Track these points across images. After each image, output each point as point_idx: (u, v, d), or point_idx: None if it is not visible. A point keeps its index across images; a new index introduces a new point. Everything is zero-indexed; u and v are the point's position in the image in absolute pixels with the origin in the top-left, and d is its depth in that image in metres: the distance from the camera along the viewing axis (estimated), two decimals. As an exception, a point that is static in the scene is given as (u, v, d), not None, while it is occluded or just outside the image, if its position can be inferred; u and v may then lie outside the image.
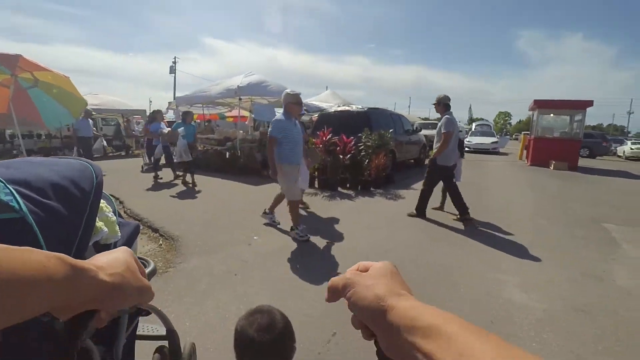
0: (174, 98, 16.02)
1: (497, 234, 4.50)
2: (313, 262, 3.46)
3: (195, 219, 4.81)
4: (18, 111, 6.20)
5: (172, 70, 43.95)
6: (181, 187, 7.19)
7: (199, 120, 19.56)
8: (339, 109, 9.43)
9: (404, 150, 9.75)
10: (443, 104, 4.89)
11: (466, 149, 20.08)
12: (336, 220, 4.96)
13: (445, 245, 4.02)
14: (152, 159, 10.27)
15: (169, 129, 7.92)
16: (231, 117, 16.73)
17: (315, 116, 15.12)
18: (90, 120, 9.59)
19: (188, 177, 7.36)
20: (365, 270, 0.44)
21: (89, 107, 9.85)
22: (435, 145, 4.90)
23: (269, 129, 4.26)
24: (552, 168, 12.70)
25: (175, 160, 7.50)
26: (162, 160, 8.32)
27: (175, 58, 44.54)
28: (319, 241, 4.04)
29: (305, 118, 17.73)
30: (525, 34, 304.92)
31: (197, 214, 5.10)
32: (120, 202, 5.84)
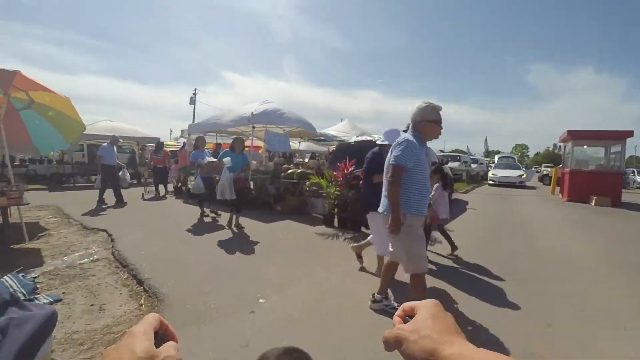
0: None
1: (565, 287, 3.48)
2: (340, 340, 2.54)
3: (190, 268, 3.98)
4: (8, 134, 5.71)
5: (192, 101, 44.97)
6: (184, 225, 6.43)
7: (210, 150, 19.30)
8: (360, 138, 8.73)
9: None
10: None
11: (490, 182, 19.34)
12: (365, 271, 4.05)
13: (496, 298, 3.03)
14: (157, 186, 9.81)
15: (211, 158, 6.91)
16: (247, 146, 16.35)
17: (332, 147, 14.61)
18: (115, 148, 8.99)
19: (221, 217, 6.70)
20: (411, 311, 0.46)
21: (117, 135, 9.44)
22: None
23: (394, 154, 2.74)
24: (593, 204, 11.53)
25: (217, 197, 6.06)
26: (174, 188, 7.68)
27: (195, 89, 45.78)
28: (342, 304, 3.13)
29: (321, 148, 17.28)
30: (534, 67, 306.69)
31: (194, 261, 4.28)
32: (112, 240, 5.11)
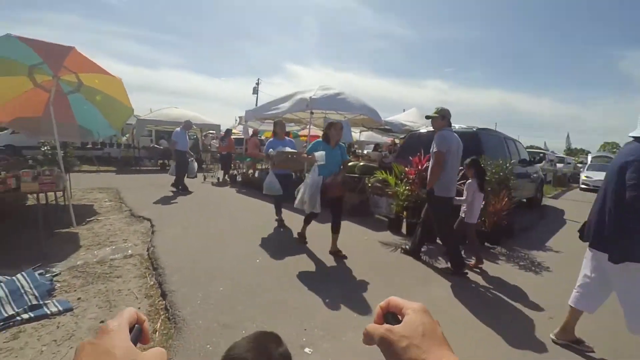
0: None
1: None
2: None
3: (223, 285, 3.24)
4: (56, 116, 5.54)
5: (255, 91, 46.14)
6: (236, 223, 5.83)
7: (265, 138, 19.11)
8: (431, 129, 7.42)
9: (519, 186, 7.20)
10: (444, 118, 3.80)
11: (583, 185, 16.29)
12: (448, 302, 2.95)
13: None
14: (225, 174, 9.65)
15: (289, 149, 4.91)
16: (304, 136, 15.69)
17: (396, 138, 13.26)
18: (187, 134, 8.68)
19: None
20: (398, 309, 0.44)
21: (190, 120, 9.32)
22: None
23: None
24: None
25: (295, 205, 4.19)
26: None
27: (258, 79, 46.93)
28: None
29: (382, 140, 15.95)
30: (630, 54, 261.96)
31: (230, 276, 3.54)
32: (152, 232, 4.65)
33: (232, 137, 20.67)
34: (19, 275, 2.85)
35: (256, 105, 46.89)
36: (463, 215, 4.08)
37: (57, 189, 3.79)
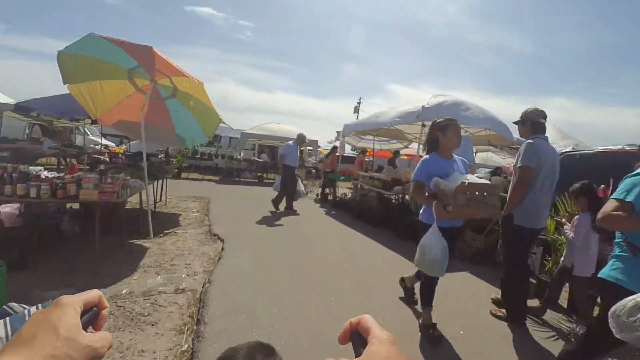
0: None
1: None
2: None
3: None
4: (155, 122, 5.37)
5: (356, 110, 46.20)
6: (324, 261, 4.79)
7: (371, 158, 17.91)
8: (600, 148, 5.19)
9: None
10: (530, 122, 2.79)
11: None
12: None
13: None
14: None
15: (474, 177, 2.64)
16: (407, 155, 14.11)
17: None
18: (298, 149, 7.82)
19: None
20: (365, 332, 0.40)
21: (303, 134, 9.04)
22: None
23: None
24: None
25: (415, 263, 2.55)
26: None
27: (360, 98, 46.84)
28: None
29: (501, 161, 13.21)
30: None
31: (288, 344, 2.40)
32: (219, 259, 3.89)
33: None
34: (33, 308, 2.23)
35: (357, 123, 46.82)
36: (569, 265, 2.90)
37: (117, 198, 3.25)
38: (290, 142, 7.56)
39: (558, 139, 9.81)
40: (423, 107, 5.92)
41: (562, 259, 3.05)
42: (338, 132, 10.11)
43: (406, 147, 11.41)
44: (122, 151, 15.69)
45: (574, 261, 2.84)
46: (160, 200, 7.04)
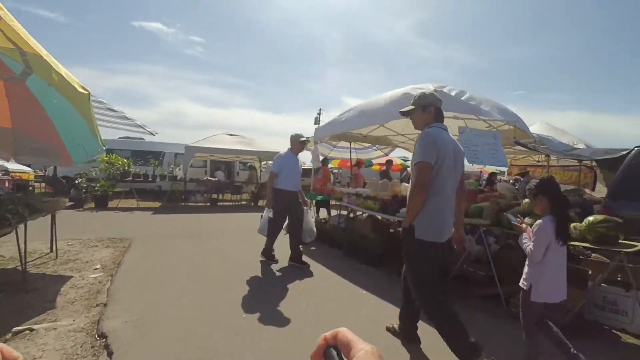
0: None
1: None
2: None
3: None
4: (24, 125, 3.08)
5: (317, 121, 44.91)
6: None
7: (339, 169, 15.84)
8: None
9: None
10: (434, 108, 2.36)
11: None
12: None
13: None
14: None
15: None
16: (379, 164, 12.40)
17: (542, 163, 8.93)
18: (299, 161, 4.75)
19: None
20: (345, 346, 0.38)
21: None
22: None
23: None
24: None
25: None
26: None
27: (320, 109, 45.60)
28: None
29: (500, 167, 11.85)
30: None
31: None
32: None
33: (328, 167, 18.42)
34: None
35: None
36: (524, 285, 2.18)
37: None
38: (283, 152, 4.55)
39: (573, 138, 8.66)
40: (435, 91, 4.13)
41: (522, 281, 2.24)
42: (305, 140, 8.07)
43: (386, 154, 9.64)
44: (31, 177, 12.53)
45: (532, 281, 2.14)
46: (51, 251, 4.62)
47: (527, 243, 2.16)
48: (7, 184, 10.94)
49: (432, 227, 2.13)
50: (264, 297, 3.42)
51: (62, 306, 3.04)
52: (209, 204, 11.64)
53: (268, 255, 4.61)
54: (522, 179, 8.71)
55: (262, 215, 4.76)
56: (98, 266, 4.18)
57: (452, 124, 4.57)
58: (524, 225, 2.31)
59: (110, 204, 10.07)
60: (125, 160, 10.98)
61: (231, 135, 12.28)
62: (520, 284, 2.20)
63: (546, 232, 2.07)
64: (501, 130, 5.18)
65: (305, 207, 4.74)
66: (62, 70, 2.56)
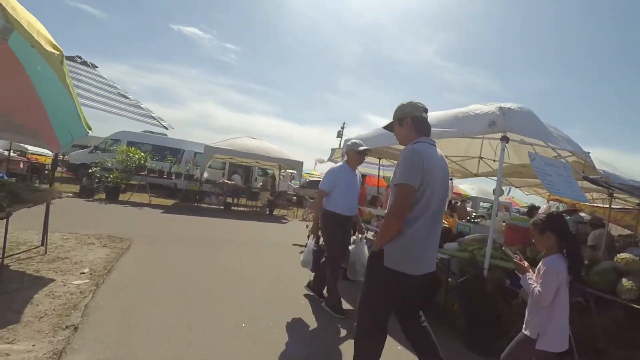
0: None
1: None
2: None
3: None
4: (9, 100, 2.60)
5: (339, 134, 44.57)
6: None
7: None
8: None
9: None
10: (411, 119, 2.03)
11: None
12: None
13: None
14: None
15: None
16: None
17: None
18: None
19: None
20: None
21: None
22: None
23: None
24: None
25: None
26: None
27: (344, 123, 45.31)
28: None
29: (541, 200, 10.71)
30: None
31: None
32: None
33: (311, 178, 17.71)
34: None
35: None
36: (530, 334, 1.91)
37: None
38: (337, 166, 3.63)
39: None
40: (501, 108, 3.44)
41: (524, 326, 1.96)
42: (333, 150, 7.46)
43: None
44: (48, 161, 12.42)
45: (540, 329, 1.86)
46: (41, 245, 4.14)
47: (534, 284, 1.91)
48: (21, 165, 10.81)
49: (406, 257, 1.82)
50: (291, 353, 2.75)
51: (27, 321, 2.46)
52: (222, 208, 11.14)
53: (316, 290, 3.68)
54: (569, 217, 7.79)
55: (306, 243, 3.92)
56: (86, 270, 3.63)
57: (520, 149, 3.86)
58: (525, 263, 2.04)
59: (122, 197, 9.71)
60: (142, 154, 10.68)
61: (253, 139, 11.85)
62: (526, 332, 1.93)
63: (558, 272, 1.86)
64: (572, 163, 4.40)
65: (360, 235, 3.79)
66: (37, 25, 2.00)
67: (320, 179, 6.56)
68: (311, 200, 8.04)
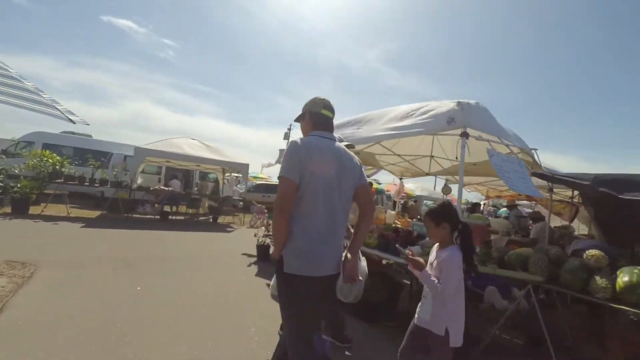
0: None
1: None
2: None
3: None
4: None
5: (286, 136, 43.99)
6: None
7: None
8: None
9: None
10: (308, 114, 2.00)
11: None
12: None
13: None
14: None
15: None
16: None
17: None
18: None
19: None
20: None
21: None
22: None
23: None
24: None
25: None
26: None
27: (290, 125, 44.80)
28: None
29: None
30: None
31: None
32: None
33: (258, 182, 16.95)
34: None
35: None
36: (437, 330, 1.88)
37: None
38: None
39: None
40: (460, 104, 3.32)
41: (418, 312, 2.01)
42: (281, 151, 7.00)
43: (367, 177, 8.80)
44: None
45: (448, 323, 1.85)
46: None
47: (434, 279, 1.88)
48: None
49: (300, 258, 1.71)
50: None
51: None
52: (158, 217, 10.04)
53: (336, 332, 2.92)
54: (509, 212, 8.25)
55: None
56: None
57: (479, 145, 3.78)
58: (420, 259, 1.99)
59: (34, 210, 8.22)
60: (58, 158, 9.19)
61: (193, 139, 10.88)
62: (434, 329, 1.88)
63: (459, 264, 1.87)
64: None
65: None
66: None
67: (268, 183, 5.90)
68: (259, 205, 7.45)
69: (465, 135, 3.28)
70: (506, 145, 4.01)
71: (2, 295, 3.14)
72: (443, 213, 1.98)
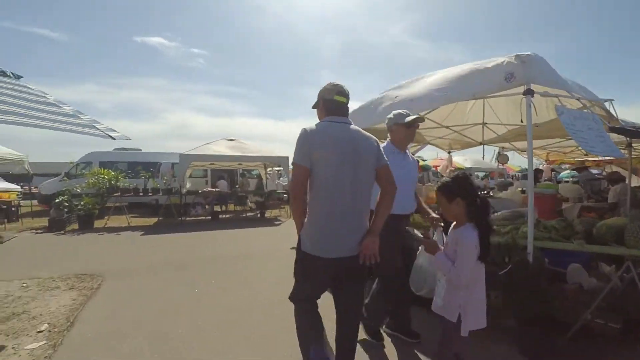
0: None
1: None
2: None
3: None
4: None
5: (322, 123, 44.16)
6: None
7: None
8: None
9: None
10: (322, 101, 2.02)
11: None
12: None
13: None
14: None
15: None
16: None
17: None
18: None
19: None
20: None
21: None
22: None
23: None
24: None
25: None
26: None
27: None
28: None
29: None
30: None
31: None
32: None
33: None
34: None
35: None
36: (450, 317, 1.75)
37: None
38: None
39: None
40: (519, 57, 2.86)
41: (437, 297, 1.91)
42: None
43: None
44: (13, 197, 11.37)
45: (460, 310, 1.70)
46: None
47: (448, 262, 1.73)
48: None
49: (312, 239, 1.82)
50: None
51: None
52: (210, 218, 10.41)
53: (372, 330, 2.70)
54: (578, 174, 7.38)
55: None
56: (44, 327, 2.93)
57: (546, 103, 3.29)
58: (434, 241, 1.99)
59: (98, 224, 8.88)
60: (112, 173, 9.82)
61: (230, 140, 11.06)
62: (447, 315, 1.76)
63: (475, 244, 1.68)
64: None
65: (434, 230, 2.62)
66: None
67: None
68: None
69: (529, 92, 2.82)
70: (577, 99, 3.44)
71: (74, 308, 3.33)
72: (456, 187, 1.79)
